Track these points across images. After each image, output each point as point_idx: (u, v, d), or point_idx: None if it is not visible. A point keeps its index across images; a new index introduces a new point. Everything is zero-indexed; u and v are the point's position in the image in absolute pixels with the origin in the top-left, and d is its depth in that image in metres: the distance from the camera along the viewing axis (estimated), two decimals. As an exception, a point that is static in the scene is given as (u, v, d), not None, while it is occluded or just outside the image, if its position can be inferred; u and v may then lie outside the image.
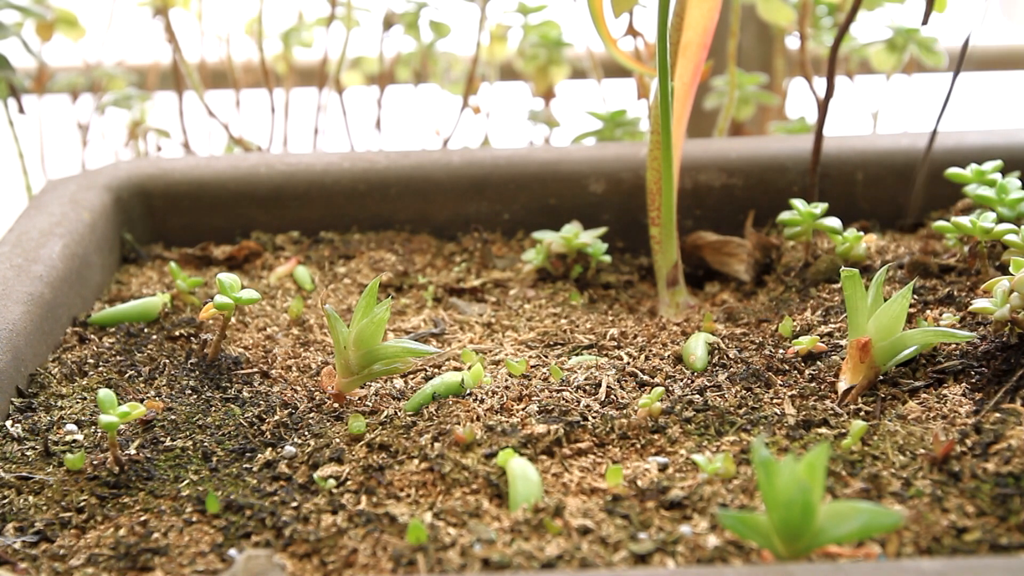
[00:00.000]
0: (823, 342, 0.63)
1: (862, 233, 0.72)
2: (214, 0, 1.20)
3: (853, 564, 0.44)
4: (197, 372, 0.64)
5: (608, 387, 0.61)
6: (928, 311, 0.66)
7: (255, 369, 0.65)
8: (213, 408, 0.61)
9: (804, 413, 0.57)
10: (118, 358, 0.66)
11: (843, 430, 0.55)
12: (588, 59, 1.16)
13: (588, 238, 0.76)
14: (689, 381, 0.62)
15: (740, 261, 0.78)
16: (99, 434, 0.58)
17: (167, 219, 0.84)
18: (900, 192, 0.83)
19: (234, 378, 0.64)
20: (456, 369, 0.64)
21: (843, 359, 0.60)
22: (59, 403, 0.61)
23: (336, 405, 0.61)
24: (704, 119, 1.13)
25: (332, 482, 0.53)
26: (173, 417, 0.59)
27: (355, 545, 0.48)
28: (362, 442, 0.56)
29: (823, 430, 0.56)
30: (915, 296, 0.67)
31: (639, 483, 0.52)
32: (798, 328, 0.66)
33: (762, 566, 0.45)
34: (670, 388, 0.61)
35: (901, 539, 0.47)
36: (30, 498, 0.53)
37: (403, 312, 0.74)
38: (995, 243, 0.69)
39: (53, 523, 0.51)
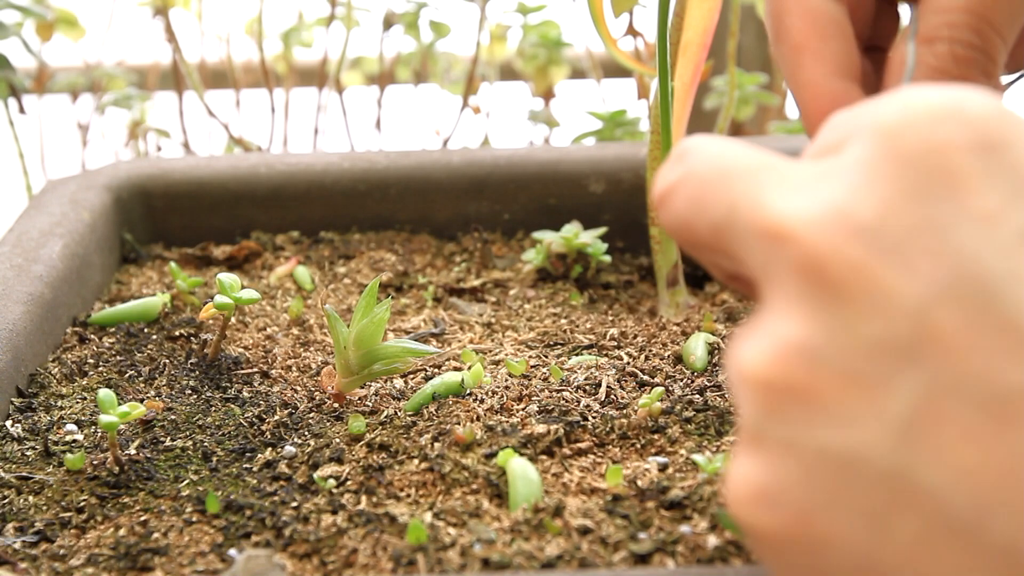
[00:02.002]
0: (823, 342, 0.63)
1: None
2: (214, 0, 1.20)
3: (853, 564, 0.44)
4: (197, 372, 0.64)
5: (608, 387, 0.61)
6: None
7: (255, 369, 0.65)
8: (213, 408, 0.61)
9: (804, 413, 0.57)
10: (118, 358, 0.66)
11: (843, 430, 0.55)
12: (588, 59, 1.16)
13: (588, 238, 0.76)
14: (689, 381, 0.62)
15: (740, 261, 0.78)
16: (99, 434, 0.58)
17: (167, 219, 0.84)
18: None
19: (234, 378, 0.64)
20: (456, 369, 0.64)
21: (843, 359, 0.60)
22: (59, 403, 0.61)
23: (336, 405, 0.61)
24: (704, 119, 1.13)
25: (332, 482, 0.53)
26: (173, 417, 0.59)
27: (355, 545, 0.48)
28: (362, 442, 0.56)
29: (823, 430, 0.56)
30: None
31: (639, 483, 0.52)
32: (798, 328, 0.66)
33: (762, 566, 0.45)
34: (670, 388, 0.61)
35: (901, 539, 0.47)
36: (30, 498, 0.53)
37: (403, 312, 0.74)
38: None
39: (53, 523, 0.51)
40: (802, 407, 0.31)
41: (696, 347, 0.65)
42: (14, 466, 0.55)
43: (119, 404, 0.55)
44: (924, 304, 0.29)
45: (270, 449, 0.56)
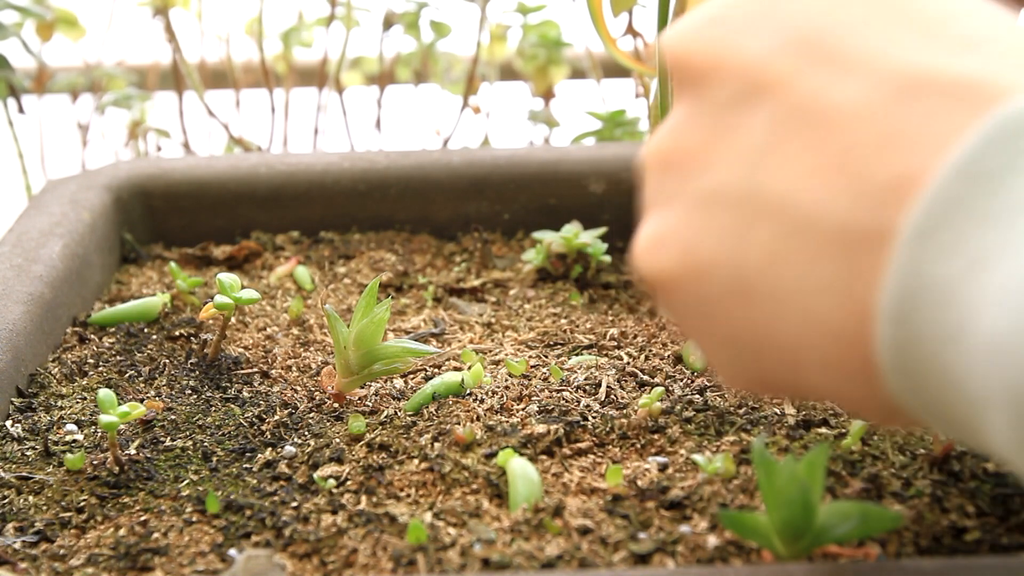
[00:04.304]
0: (823, 342, 0.63)
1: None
2: (214, 0, 1.20)
3: (853, 564, 0.44)
4: (197, 372, 0.64)
5: (608, 387, 0.61)
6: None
7: (255, 369, 0.65)
8: (213, 408, 0.61)
9: (804, 413, 0.57)
10: (118, 358, 0.66)
11: (843, 430, 0.55)
12: (588, 59, 1.16)
13: (588, 238, 0.76)
14: (689, 381, 0.62)
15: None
16: (99, 434, 0.58)
17: (167, 219, 0.84)
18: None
19: (234, 378, 0.64)
20: (456, 369, 0.64)
21: (843, 359, 0.60)
22: (59, 403, 0.61)
23: (336, 405, 0.61)
24: (704, 119, 1.13)
25: (332, 482, 0.53)
26: (173, 417, 0.59)
27: (355, 545, 0.48)
28: (362, 442, 0.56)
29: (823, 430, 0.56)
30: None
31: (639, 483, 0.52)
32: (798, 328, 0.66)
33: (762, 566, 0.45)
34: (670, 388, 0.61)
35: (901, 539, 0.47)
36: (30, 498, 0.53)
37: (403, 312, 0.74)
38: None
39: (53, 523, 0.51)
40: (680, 167, 0.37)
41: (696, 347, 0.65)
42: (14, 466, 0.55)
43: (119, 404, 0.55)
44: (763, 58, 0.35)
45: (270, 449, 0.56)
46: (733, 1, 0.38)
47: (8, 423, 0.59)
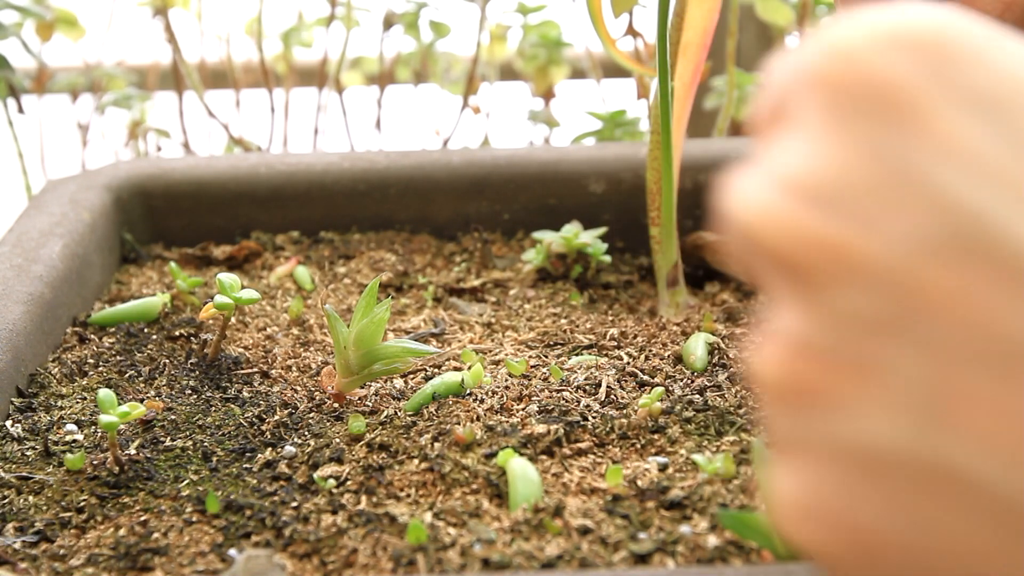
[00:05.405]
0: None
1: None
2: (214, 0, 1.20)
3: (853, 564, 0.44)
4: (197, 372, 0.64)
5: (608, 387, 0.61)
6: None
7: (255, 369, 0.65)
8: (213, 408, 0.61)
9: (804, 413, 0.57)
10: (118, 358, 0.66)
11: (843, 430, 0.55)
12: (588, 59, 1.16)
13: (588, 238, 0.76)
14: (689, 381, 0.62)
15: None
16: (99, 434, 0.58)
17: (167, 219, 0.84)
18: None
19: (234, 378, 0.64)
20: (456, 369, 0.64)
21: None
22: (59, 403, 0.61)
23: (336, 405, 0.61)
24: (704, 119, 1.13)
25: (332, 482, 0.53)
26: (173, 417, 0.59)
27: (355, 545, 0.48)
28: (362, 442, 0.56)
29: (823, 430, 0.56)
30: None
31: (639, 483, 0.52)
32: (798, 328, 0.66)
33: (762, 566, 0.45)
34: (670, 388, 0.61)
35: (901, 539, 0.47)
36: (30, 498, 0.53)
37: (403, 312, 0.74)
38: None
39: (53, 523, 0.51)
40: (816, 406, 0.28)
41: (696, 347, 0.65)
42: (14, 466, 0.55)
43: (119, 404, 0.55)
44: (903, 264, 0.26)
45: (270, 449, 0.56)
46: (844, 162, 0.27)
47: (8, 423, 0.59)
